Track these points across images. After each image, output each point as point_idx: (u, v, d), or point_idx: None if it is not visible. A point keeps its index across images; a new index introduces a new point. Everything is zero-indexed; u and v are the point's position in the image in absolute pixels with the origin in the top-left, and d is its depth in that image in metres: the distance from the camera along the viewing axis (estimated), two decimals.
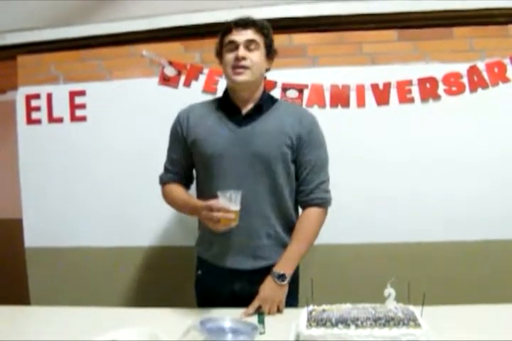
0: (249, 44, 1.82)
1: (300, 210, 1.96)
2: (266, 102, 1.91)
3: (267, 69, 1.94)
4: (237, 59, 1.81)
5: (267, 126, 1.86)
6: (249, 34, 1.82)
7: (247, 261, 1.87)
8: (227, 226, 1.68)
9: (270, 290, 1.78)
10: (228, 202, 1.66)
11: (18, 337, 1.56)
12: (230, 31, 1.84)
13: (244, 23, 1.83)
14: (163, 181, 2.03)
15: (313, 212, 1.89)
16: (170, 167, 2.02)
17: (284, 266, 1.82)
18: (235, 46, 1.82)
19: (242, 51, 1.81)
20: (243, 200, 1.68)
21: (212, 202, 1.68)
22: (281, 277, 1.79)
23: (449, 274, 2.53)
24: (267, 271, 1.83)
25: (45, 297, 2.75)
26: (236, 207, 1.67)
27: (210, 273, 1.96)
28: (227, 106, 1.92)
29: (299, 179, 1.91)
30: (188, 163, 1.98)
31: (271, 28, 1.89)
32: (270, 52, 1.89)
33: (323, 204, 1.90)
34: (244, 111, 1.90)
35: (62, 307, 1.93)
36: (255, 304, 1.75)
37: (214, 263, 1.93)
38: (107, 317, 1.75)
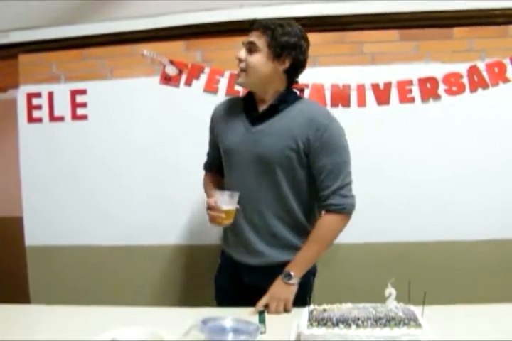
0: (249, 46, 1.84)
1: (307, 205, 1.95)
2: (282, 102, 1.88)
3: (289, 71, 1.88)
4: (237, 61, 1.86)
5: (276, 127, 1.86)
6: (251, 36, 1.85)
7: (251, 257, 1.94)
8: (221, 225, 1.83)
9: (277, 288, 1.82)
10: (222, 201, 1.75)
11: (18, 336, 1.56)
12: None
13: (251, 26, 1.87)
14: (204, 169, 2.20)
15: (328, 218, 1.87)
16: (207, 156, 2.18)
17: (293, 266, 1.84)
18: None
19: (240, 53, 1.85)
20: (245, 199, 1.77)
21: (208, 200, 1.83)
22: (288, 276, 1.81)
23: (450, 274, 2.54)
24: (273, 269, 1.86)
25: (46, 295, 2.75)
26: (229, 206, 1.76)
27: (227, 264, 2.07)
28: (248, 103, 1.95)
29: (315, 184, 1.89)
30: (219, 153, 2.04)
31: (282, 28, 1.82)
32: (279, 52, 1.82)
33: (340, 210, 1.85)
34: (261, 110, 1.91)
35: (62, 305, 1.93)
36: (263, 301, 1.78)
37: (229, 255, 2.04)
38: (108, 316, 1.75)
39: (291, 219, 1.91)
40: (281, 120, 1.87)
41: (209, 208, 1.80)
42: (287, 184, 1.87)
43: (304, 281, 1.86)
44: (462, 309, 1.74)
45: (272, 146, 1.83)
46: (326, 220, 1.88)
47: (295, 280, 1.82)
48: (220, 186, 2.03)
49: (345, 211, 1.86)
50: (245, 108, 1.95)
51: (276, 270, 1.85)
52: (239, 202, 1.80)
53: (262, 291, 1.82)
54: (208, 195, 2.01)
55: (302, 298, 1.87)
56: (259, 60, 1.83)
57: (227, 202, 1.75)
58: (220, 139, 1.99)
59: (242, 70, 1.85)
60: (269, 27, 1.82)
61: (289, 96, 1.92)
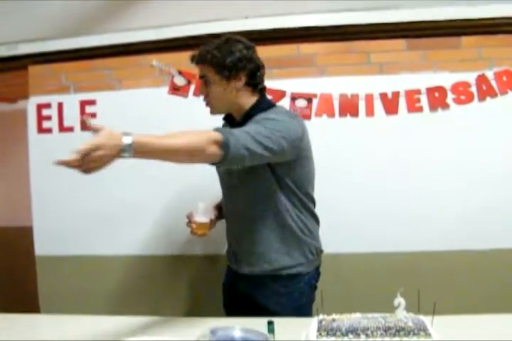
0: (203, 80, 1.89)
1: (302, 217, 1.91)
2: (256, 110, 1.86)
3: (249, 83, 1.86)
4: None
5: None
6: (200, 70, 1.89)
7: (241, 266, 1.97)
8: (197, 235, 1.93)
9: (110, 141, 1.40)
10: (197, 213, 1.88)
11: None
12: None
13: (192, 61, 1.91)
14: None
15: (209, 134, 1.55)
16: None
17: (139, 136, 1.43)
18: None
19: (200, 88, 1.93)
20: (232, 207, 1.87)
21: (188, 213, 1.94)
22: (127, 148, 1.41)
23: (460, 283, 2.52)
24: (264, 277, 1.89)
25: (55, 305, 2.76)
26: (201, 218, 1.87)
27: (227, 272, 2.13)
28: (229, 119, 2.00)
29: None
30: None
31: (216, 50, 1.81)
32: (229, 73, 1.81)
33: (221, 141, 1.54)
34: (236, 121, 1.93)
35: (72, 315, 1.93)
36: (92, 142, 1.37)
37: (228, 264, 2.10)
38: (117, 326, 1.74)
39: (279, 225, 1.88)
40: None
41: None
42: (270, 188, 1.85)
43: (295, 290, 1.87)
44: (472, 319, 1.72)
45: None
46: (205, 134, 1.54)
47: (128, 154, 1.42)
48: None
49: (224, 145, 1.54)
50: (227, 119, 2.02)
51: (266, 280, 1.89)
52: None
53: (255, 302, 1.87)
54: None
55: (298, 309, 1.88)
56: (217, 90, 1.86)
57: (201, 214, 1.86)
58: None
59: (207, 103, 1.92)
60: (206, 56, 1.83)
61: (260, 105, 1.89)
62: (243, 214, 1.93)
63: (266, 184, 1.85)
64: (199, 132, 1.56)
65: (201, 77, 1.88)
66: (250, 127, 1.69)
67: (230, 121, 1.98)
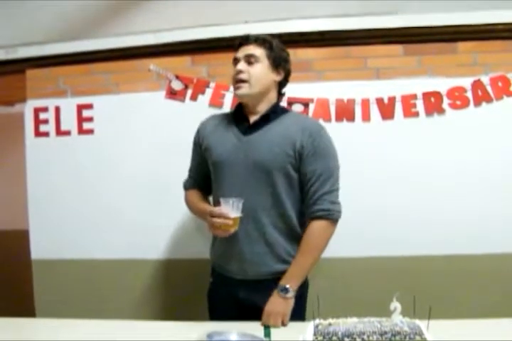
0: (248, 58, 1.89)
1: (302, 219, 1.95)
2: (274, 113, 1.94)
3: (281, 83, 1.98)
4: (237, 73, 1.90)
5: (270, 135, 1.89)
6: (249, 49, 1.90)
7: (245, 269, 1.90)
8: (227, 233, 1.79)
9: (275, 303, 1.80)
10: (229, 209, 1.74)
11: None
12: (237, 50, 1.94)
13: (245, 40, 1.92)
14: (185, 187, 2.15)
15: (316, 224, 1.85)
16: (191, 174, 2.15)
17: (288, 279, 1.83)
18: (237, 62, 1.92)
19: (240, 65, 1.90)
20: (243, 208, 1.75)
21: (213, 209, 1.83)
22: (284, 290, 1.80)
23: (456, 288, 2.52)
24: (269, 281, 1.86)
25: (51, 309, 2.74)
26: (235, 214, 1.75)
27: (219, 281, 2.02)
28: (238, 116, 1.98)
29: (303, 190, 1.90)
30: (205, 170, 2.04)
31: (276, 42, 1.94)
32: (277, 64, 1.92)
33: (328, 215, 1.85)
34: (252, 120, 1.94)
35: (68, 319, 1.93)
36: (264, 320, 1.76)
37: (221, 273, 2.00)
38: (112, 330, 1.75)
39: (287, 226, 1.90)
40: (274, 128, 1.90)
41: (213, 216, 1.78)
42: (284, 190, 1.88)
43: (299, 294, 1.85)
44: (468, 323, 1.73)
45: (270, 153, 1.85)
46: (316, 228, 1.86)
47: (292, 294, 1.81)
48: (207, 202, 2.04)
49: (333, 217, 1.86)
50: (235, 120, 1.98)
51: (270, 284, 1.85)
52: None
53: (258, 308, 1.81)
54: (199, 207, 1.99)
55: (298, 312, 1.87)
56: (262, 69, 1.90)
57: (233, 209, 1.74)
58: (208, 153, 1.98)
59: (244, 81, 1.88)
60: (265, 40, 1.91)
61: (278, 108, 1.99)
62: (262, 210, 1.88)
63: (291, 181, 1.90)
64: (321, 236, 1.87)
65: (249, 55, 1.89)
66: (324, 184, 1.87)
67: (240, 119, 1.97)
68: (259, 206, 1.87)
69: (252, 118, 1.94)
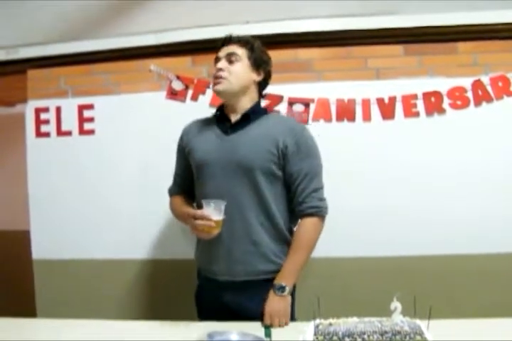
0: (229, 57, 1.93)
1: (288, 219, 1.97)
2: (255, 112, 1.96)
3: (261, 84, 2.01)
4: (217, 70, 1.92)
5: (253, 134, 1.91)
6: (231, 49, 1.94)
7: (235, 269, 1.89)
8: (210, 235, 1.79)
9: (273, 303, 1.81)
10: (211, 211, 1.74)
11: None
12: (219, 50, 1.98)
13: (228, 40, 1.97)
14: (170, 193, 2.17)
15: (308, 221, 1.90)
16: (175, 179, 2.17)
17: (283, 278, 1.84)
18: (218, 61, 1.96)
19: (221, 63, 1.94)
20: (228, 208, 1.76)
21: (195, 211, 1.82)
22: (281, 289, 1.81)
23: (456, 288, 2.53)
24: (255, 282, 1.87)
25: (52, 309, 2.75)
26: (218, 216, 1.75)
27: (205, 284, 2.03)
28: (219, 117, 2.01)
29: (291, 189, 1.92)
30: (190, 175, 2.05)
31: (258, 43, 1.99)
32: (257, 64, 1.95)
33: (318, 212, 1.89)
34: (233, 120, 1.96)
35: (68, 319, 1.93)
36: (266, 322, 1.77)
37: (206, 275, 2.00)
38: (113, 330, 1.75)
39: (272, 225, 1.90)
40: (257, 128, 1.93)
41: (196, 218, 1.76)
42: (267, 188, 1.88)
43: (293, 293, 1.87)
44: (468, 323, 1.73)
45: (253, 152, 1.87)
46: (308, 225, 1.90)
47: (288, 291, 1.82)
48: (191, 206, 2.03)
49: (322, 213, 1.91)
50: (217, 120, 2.01)
51: (256, 286, 1.86)
52: None
53: (243, 310, 1.83)
54: (182, 211, 1.97)
55: (292, 313, 1.88)
56: (241, 68, 1.93)
57: (216, 210, 1.74)
58: (191, 155, 2.00)
59: (223, 78, 1.91)
60: (247, 41, 1.96)
61: (259, 108, 2.02)
62: (248, 209, 1.89)
63: (275, 180, 1.91)
64: (312, 233, 1.90)
65: (231, 53, 1.93)
66: (311, 182, 1.90)
67: (221, 120, 1.99)
68: (245, 205, 1.88)
69: (234, 118, 1.96)
